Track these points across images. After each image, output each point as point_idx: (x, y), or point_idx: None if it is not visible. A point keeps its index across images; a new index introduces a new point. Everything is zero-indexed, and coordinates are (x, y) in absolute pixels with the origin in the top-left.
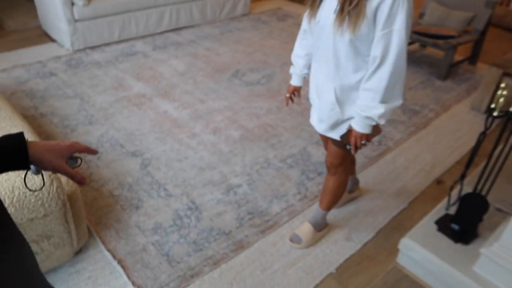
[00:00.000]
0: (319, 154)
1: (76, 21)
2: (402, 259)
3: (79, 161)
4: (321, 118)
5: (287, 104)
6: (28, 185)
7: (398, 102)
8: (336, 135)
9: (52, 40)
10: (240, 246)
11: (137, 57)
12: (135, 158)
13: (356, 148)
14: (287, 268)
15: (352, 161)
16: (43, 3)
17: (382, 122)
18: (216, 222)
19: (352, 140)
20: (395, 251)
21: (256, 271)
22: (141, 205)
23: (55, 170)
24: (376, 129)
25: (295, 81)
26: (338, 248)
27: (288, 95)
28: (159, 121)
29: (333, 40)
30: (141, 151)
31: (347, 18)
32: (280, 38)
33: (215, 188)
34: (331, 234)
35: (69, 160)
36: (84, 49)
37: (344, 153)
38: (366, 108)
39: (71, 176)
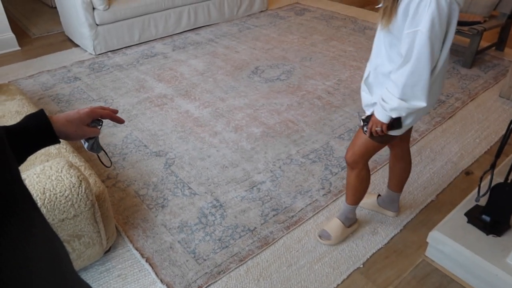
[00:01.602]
0: (342, 149)
1: (97, 25)
2: (431, 253)
3: (101, 122)
4: (362, 92)
5: None
6: (103, 162)
7: (419, 103)
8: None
9: (75, 45)
10: (265, 243)
11: (157, 58)
12: (159, 158)
13: (371, 133)
14: (313, 263)
15: (401, 174)
16: (66, 9)
17: (393, 115)
18: (240, 219)
19: (370, 124)
20: (423, 244)
21: (282, 267)
22: (167, 204)
23: (81, 137)
24: (394, 125)
25: None
26: (365, 243)
27: None
28: (181, 121)
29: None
30: (164, 151)
31: (383, 11)
32: (298, 33)
33: (239, 186)
34: (357, 228)
35: (91, 123)
36: (106, 52)
37: (363, 147)
38: (386, 97)
39: (95, 133)
